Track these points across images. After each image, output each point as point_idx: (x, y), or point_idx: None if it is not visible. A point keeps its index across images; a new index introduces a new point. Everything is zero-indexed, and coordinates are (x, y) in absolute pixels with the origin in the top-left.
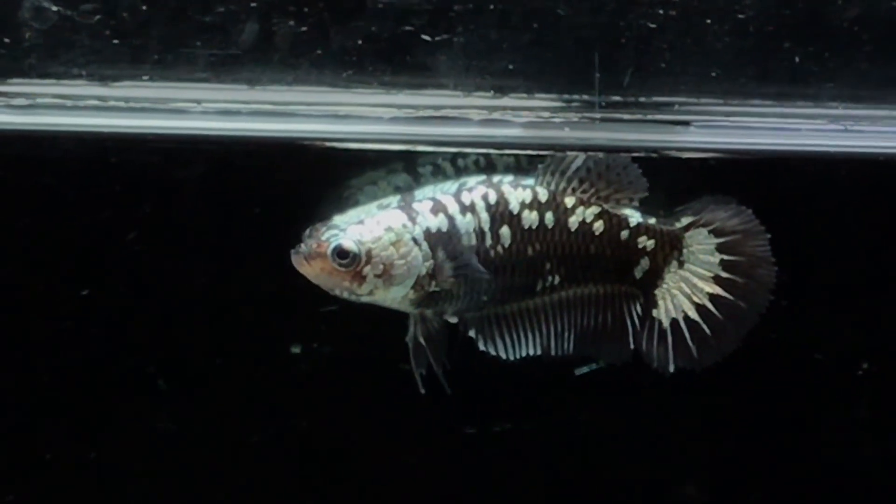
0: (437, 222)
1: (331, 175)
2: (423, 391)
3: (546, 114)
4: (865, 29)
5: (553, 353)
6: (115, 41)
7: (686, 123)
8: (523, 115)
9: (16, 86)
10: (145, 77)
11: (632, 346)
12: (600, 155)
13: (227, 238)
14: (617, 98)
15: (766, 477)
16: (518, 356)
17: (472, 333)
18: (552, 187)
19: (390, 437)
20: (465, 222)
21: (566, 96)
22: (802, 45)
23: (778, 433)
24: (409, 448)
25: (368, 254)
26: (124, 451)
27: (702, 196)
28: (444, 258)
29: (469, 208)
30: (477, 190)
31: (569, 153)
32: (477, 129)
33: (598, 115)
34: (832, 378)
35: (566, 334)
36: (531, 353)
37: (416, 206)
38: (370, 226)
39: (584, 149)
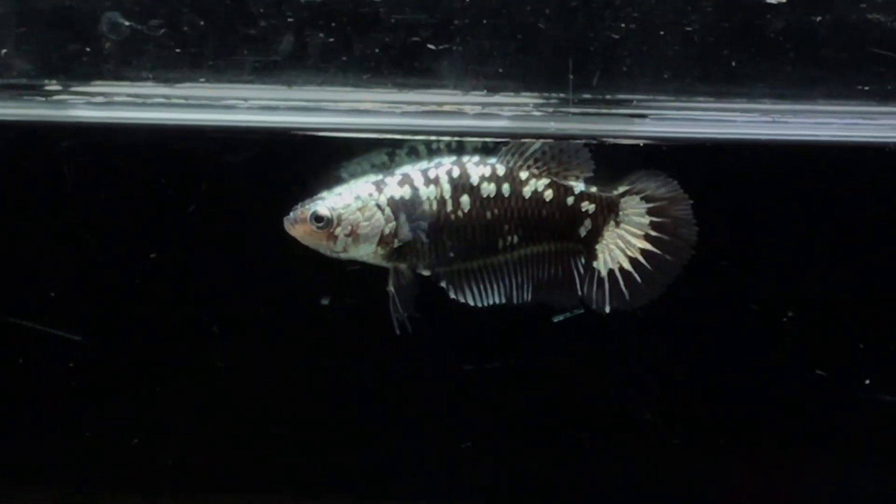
0: (402, 192)
1: (353, 157)
2: (398, 332)
3: (529, 108)
4: (789, 39)
5: (514, 301)
6: (177, 50)
7: (643, 116)
8: (510, 110)
9: (96, 87)
10: (202, 79)
11: (579, 293)
12: (552, 141)
13: (270, 210)
14: (587, 95)
15: (707, 403)
16: (484, 304)
17: (443, 284)
18: (510, 165)
19: (404, 374)
20: (428, 192)
21: (546, 94)
22: (738, 52)
23: (717, 368)
24: (419, 382)
25: (339, 218)
26: (185, 385)
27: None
28: (403, 220)
29: (433, 181)
30: (444, 167)
31: (526, 139)
32: (472, 121)
33: (571, 110)
34: (764, 324)
35: (525, 285)
36: (495, 301)
37: (387, 179)
38: (343, 196)
39: (560, 137)
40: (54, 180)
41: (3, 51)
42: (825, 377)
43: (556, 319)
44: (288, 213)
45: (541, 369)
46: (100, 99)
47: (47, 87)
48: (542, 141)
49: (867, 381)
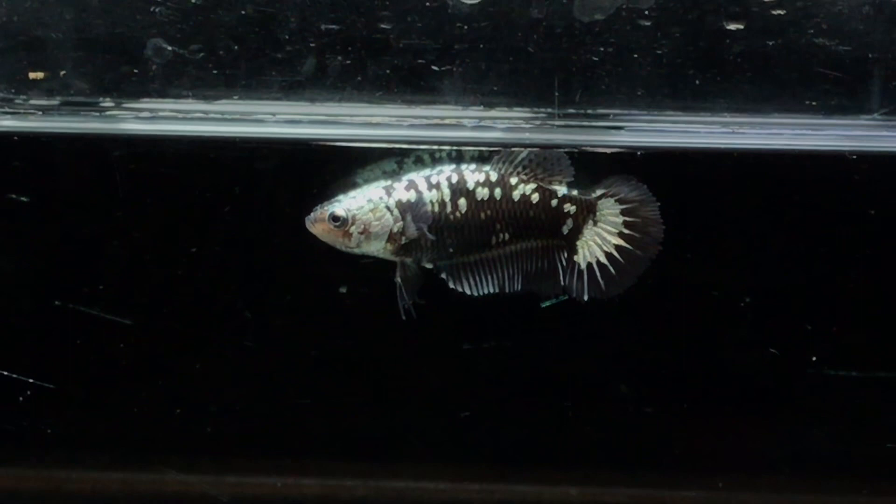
0: (408, 195)
1: (366, 165)
2: (404, 317)
3: (520, 122)
4: (746, 60)
5: (506, 290)
6: (214, 71)
7: (619, 128)
8: (504, 123)
9: (143, 103)
10: (236, 97)
11: (562, 284)
12: (537, 150)
13: (295, 210)
14: (571, 110)
15: (674, 377)
16: (480, 293)
17: (443, 276)
18: (502, 171)
19: (410, 353)
20: (430, 195)
21: (535, 109)
22: (702, 71)
23: (683, 347)
24: (423, 360)
25: (353, 218)
26: (221, 362)
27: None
28: (409, 220)
29: (435, 186)
30: (444, 173)
31: (516, 148)
32: (470, 132)
33: (557, 123)
34: (724, 309)
35: (515, 276)
36: (490, 290)
37: (395, 184)
38: (357, 199)
39: (547, 146)
40: (107, 185)
41: (63, 72)
42: (777, 354)
43: (543, 305)
44: (309, 214)
45: (530, 348)
46: (147, 114)
47: (101, 104)
48: (528, 150)
49: (814, 358)
